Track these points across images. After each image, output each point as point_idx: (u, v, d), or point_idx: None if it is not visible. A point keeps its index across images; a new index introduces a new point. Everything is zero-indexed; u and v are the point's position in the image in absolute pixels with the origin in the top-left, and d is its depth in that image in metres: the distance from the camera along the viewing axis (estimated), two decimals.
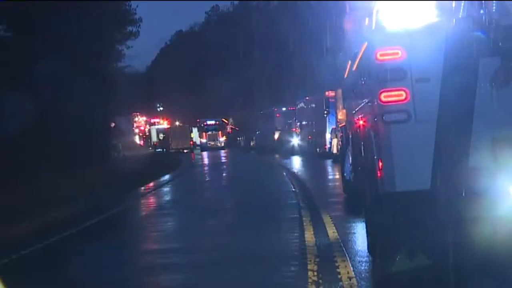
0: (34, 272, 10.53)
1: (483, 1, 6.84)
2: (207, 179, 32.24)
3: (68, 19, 30.54)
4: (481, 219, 6.65)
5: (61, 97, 30.03)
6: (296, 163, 38.44)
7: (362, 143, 9.07)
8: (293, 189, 20.29)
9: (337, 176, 21.49)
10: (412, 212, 7.07)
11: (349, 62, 11.51)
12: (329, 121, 36.58)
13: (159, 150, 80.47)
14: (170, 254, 11.13)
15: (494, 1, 6.81)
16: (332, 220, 12.66)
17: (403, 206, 7.08)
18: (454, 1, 7.16)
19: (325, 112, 37.09)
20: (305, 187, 20.57)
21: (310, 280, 8.05)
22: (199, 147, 75.60)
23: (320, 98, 38.44)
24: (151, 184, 27.91)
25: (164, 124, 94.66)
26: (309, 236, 11.18)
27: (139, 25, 44.93)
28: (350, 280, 7.96)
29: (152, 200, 22.37)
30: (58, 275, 10.05)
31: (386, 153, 7.16)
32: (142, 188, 26.23)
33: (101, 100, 37.39)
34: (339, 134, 21.86)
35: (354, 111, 10.82)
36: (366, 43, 8.21)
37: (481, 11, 6.86)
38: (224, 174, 34.22)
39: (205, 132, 75.18)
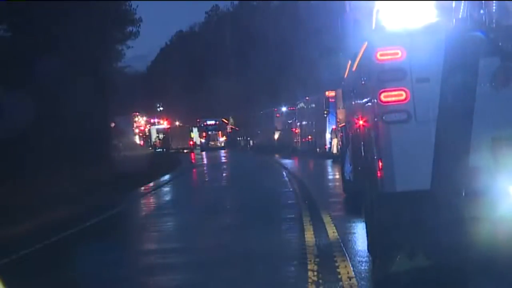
0: (34, 272, 10.53)
1: (483, 1, 6.84)
2: (207, 179, 32.24)
3: (68, 19, 30.52)
4: (481, 219, 6.65)
5: (61, 97, 30.00)
6: (296, 163, 38.44)
7: (362, 143, 9.06)
8: (293, 189, 20.29)
9: (337, 176, 21.48)
10: (412, 212, 7.06)
11: (349, 62, 11.50)
12: (329, 121, 36.57)
13: (159, 150, 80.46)
14: (170, 254, 11.13)
15: (494, 1, 6.81)
16: (332, 220, 12.65)
17: (403, 206, 7.08)
18: (454, 1, 7.16)
19: (325, 112, 37.08)
20: (305, 187, 20.56)
21: (310, 280, 8.05)
22: (199, 147, 75.62)
23: (320, 98, 38.43)
24: (151, 184, 27.91)
25: (164, 124, 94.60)
26: (309, 236, 11.17)
27: (139, 25, 44.91)
28: (350, 280, 7.96)
29: (152, 200, 22.37)
30: (58, 275, 10.05)
31: (386, 153, 7.15)
32: (142, 188, 26.24)
33: (101, 100, 37.34)
34: (339, 134, 21.85)
35: (354, 111, 10.81)
36: (366, 43, 8.21)
37: (481, 11, 6.86)
38: (224, 174, 34.21)
39: (205, 132, 75.20)
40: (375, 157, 7.52)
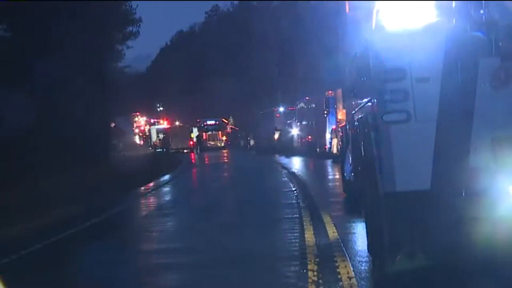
0: (34, 272, 10.53)
1: (483, 1, 6.84)
2: (207, 179, 32.23)
3: (68, 19, 30.55)
4: (481, 219, 6.64)
5: (61, 97, 30.04)
6: (296, 163, 38.43)
7: (362, 143, 9.07)
8: (293, 189, 20.29)
9: (337, 176, 21.48)
10: (412, 212, 7.06)
11: (349, 62, 11.50)
12: (329, 121, 36.56)
13: (159, 150, 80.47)
14: (170, 254, 11.13)
15: (494, 1, 6.80)
16: (332, 220, 12.66)
17: (403, 206, 7.08)
18: (454, 1, 7.16)
19: (325, 112, 37.07)
20: (305, 187, 20.56)
21: (310, 280, 8.05)
22: (199, 147, 75.60)
23: (320, 98, 38.43)
24: (151, 184, 27.91)
25: (164, 124, 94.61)
26: (309, 236, 11.17)
27: (139, 25, 44.99)
28: (350, 280, 7.96)
29: (152, 200, 22.37)
30: (58, 275, 10.05)
31: (386, 153, 7.15)
32: (142, 188, 26.23)
33: (101, 100, 37.39)
34: (339, 134, 21.85)
35: (354, 111, 10.82)
36: (366, 43, 8.20)
37: (481, 11, 6.85)
38: (224, 174, 34.21)
39: (205, 132, 75.18)
40: (375, 157, 7.52)
